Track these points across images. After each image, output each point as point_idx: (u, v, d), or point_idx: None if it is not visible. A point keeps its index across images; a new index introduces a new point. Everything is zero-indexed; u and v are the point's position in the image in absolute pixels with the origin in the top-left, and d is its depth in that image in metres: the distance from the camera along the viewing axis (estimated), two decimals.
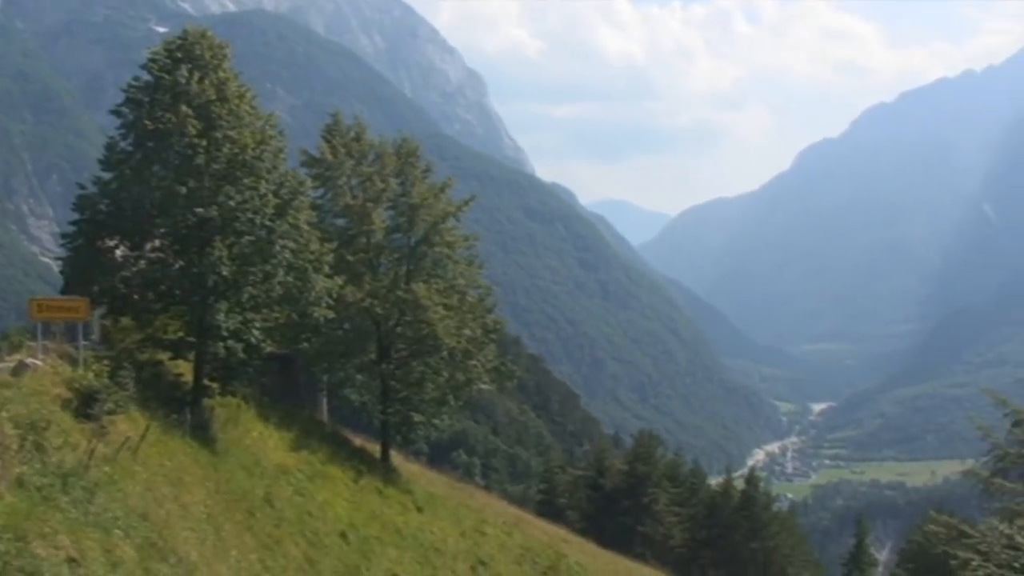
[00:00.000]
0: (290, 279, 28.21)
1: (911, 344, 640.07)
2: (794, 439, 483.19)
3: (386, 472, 36.13)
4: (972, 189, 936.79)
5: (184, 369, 28.44)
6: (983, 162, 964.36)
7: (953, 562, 26.80)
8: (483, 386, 39.72)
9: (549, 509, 69.97)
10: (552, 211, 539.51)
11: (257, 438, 29.57)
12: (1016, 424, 35.94)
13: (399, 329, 36.96)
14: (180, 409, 26.73)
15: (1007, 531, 23.78)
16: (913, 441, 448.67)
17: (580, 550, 43.51)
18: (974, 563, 24.85)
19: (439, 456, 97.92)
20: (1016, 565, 22.87)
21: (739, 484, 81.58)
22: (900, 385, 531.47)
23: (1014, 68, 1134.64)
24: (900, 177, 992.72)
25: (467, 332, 37.15)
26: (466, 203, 39.06)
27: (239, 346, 27.01)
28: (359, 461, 34.80)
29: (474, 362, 37.67)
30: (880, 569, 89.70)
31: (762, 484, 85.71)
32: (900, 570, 70.08)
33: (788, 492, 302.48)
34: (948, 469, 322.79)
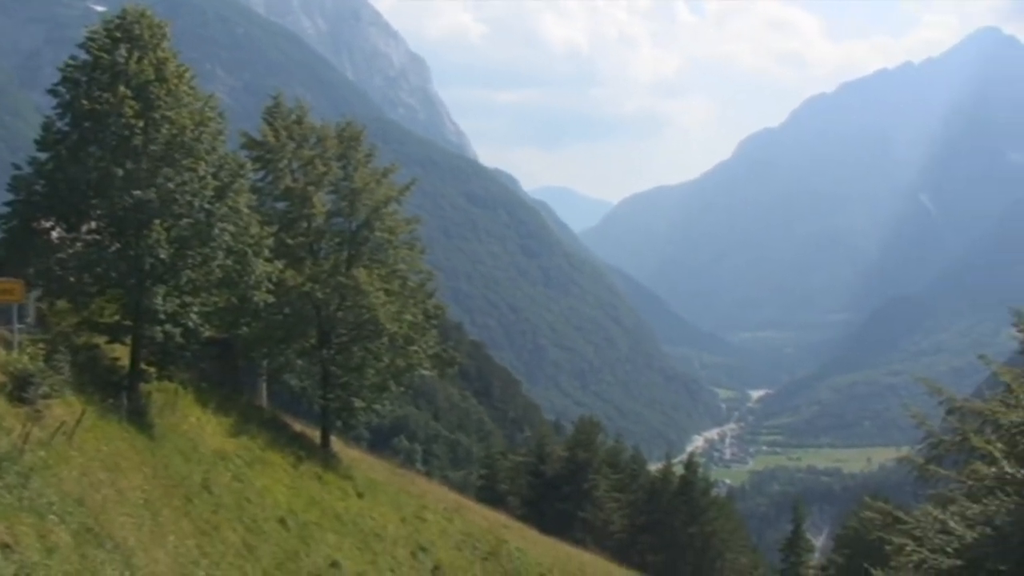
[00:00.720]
0: (229, 263, 27.92)
1: (848, 333, 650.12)
2: (732, 425, 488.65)
3: (326, 458, 35.96)
4: (910, 180, 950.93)
5: (121, 353, 28.07)
6: (921, 153, 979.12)
7: (888, 547, 27.25)
8: (424, 372, 39.61)
9: (490, 495, 70.17)
10: (495, 197, 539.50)
11: (195, 423, 29.29)
12: (950, 412, 36.60)
13: (340, 314, 36.75)
14: (117, 393, 26.39)
15: (940, 517, 24.20)
16: (849, 428, 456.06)
17: (521, 536, 43.65)
18: (908, 548, 25.28)
19: (380, 442, 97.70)
20: (949, 550, 23.29)
21: (678, 470, 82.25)
22: (837, 373, 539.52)
23: (952, 60, 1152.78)
24: (839, 167, 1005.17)
25: (408, 317, 37.03)
26: (407, 187, 38.88)
27: (177, 330, 26.72)
28: (299, 447, 34.62)
29: (415, 348, 37.57)
30: (816, 554, 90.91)
31: (701, 470, 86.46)
32: (836, 555, 71.03)
33: (726, 478, 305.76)
34: (883, 456, 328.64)
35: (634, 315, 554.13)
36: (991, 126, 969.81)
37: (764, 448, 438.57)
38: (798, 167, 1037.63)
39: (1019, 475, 21.75)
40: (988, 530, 22.08)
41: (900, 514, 30.41)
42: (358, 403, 37.19)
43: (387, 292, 36.62)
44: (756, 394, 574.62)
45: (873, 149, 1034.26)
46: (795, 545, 77.32)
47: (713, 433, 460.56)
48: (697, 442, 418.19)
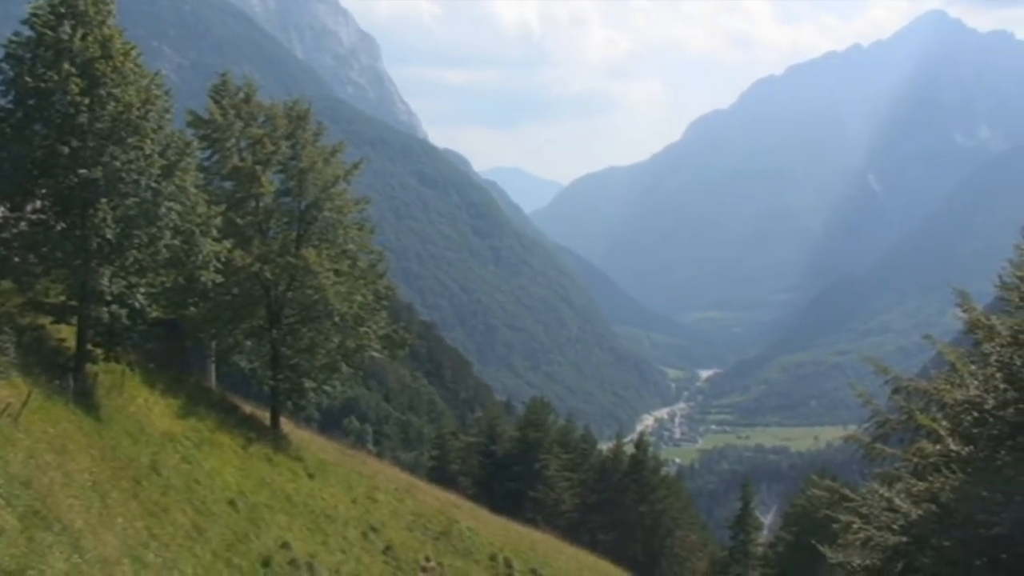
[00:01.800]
0: (176, 242, 27.63)
1: (796, 312, 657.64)
2: (682, 405, 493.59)
3: (276, 439, 35.77)
4: (857, 161, 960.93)
5: (67, 334, 27.74)
6: (868, 135, 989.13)
7: (835, 525, 27.61)
8: (375, 353, 39.42)
9: (441, 475, 70.28)
10: (445, 177, 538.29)
11: (143, 405, 29.03)
12: (896, 391, 37.10)
13: (289, 294, 36.49)
14: (63, 375, 26.11)
15: (886, 494, 24.54)
16: (797, 407, 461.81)
17: (472, 516, 43.74)
18: (855, 525, 25.63)
19: (331, 423, 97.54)
20: (895, 527, 23.63)
21: (629, 449, 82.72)
22: (785, 352, 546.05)
23: (899, 43, 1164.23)
24: (788, 149, 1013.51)
25: (358, 298, 36.84)
26: (356, 166, 38.61)
27: (124, 311, 26.41)
28: (248, 428, 34.41)
29: (365, 328, 37.39)
30: (765, 531, 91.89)
31: (651, 449, 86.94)
32: (784, 532, 71.87)
33: (676, 457, 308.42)
34: (831, 434, 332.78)
35: (585, 295, 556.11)
36: (937, 108, 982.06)
37: (713, 427, 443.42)
38: (747, 148, 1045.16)
39: (964, 452, 22.09)
40: (933, 507, 22.42)
41: (847, 492, 30.82)
42: (308, 384, 37.01)
43: (337, 272, 36.42)
44: (705, 374, 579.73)
45: (821, 130, 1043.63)
46: (744, 523, 77.98)
47: (663, 413, 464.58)
48: (647, 421, 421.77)
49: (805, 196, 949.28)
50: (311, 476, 34.32)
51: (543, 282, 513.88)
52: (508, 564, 38.32)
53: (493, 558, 38.23)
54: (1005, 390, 21.32)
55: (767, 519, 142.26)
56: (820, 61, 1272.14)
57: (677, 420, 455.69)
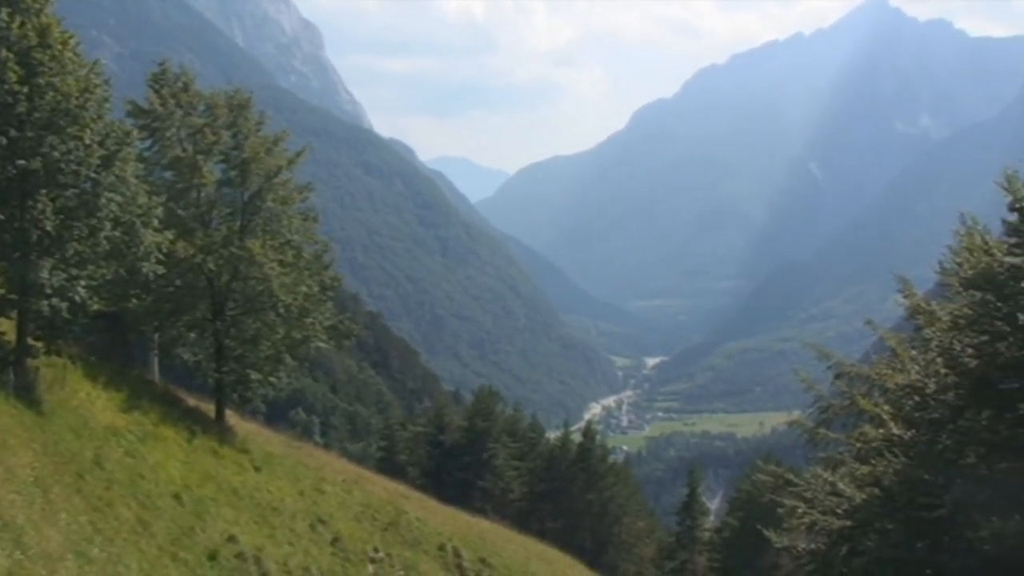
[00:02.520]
0: (117, 234, 27.21)
1: (740, 300, 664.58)
2: (629, 393, 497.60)
3: (221, 432, 35.41)
4: (799, 149, 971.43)
5: (6, 328, 27.27)
6: (810, 123, 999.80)
7: (780, 509, 27.93)
8: (321, 344, 39.15)
9: (389, 466, 70.11)
10: (390, 167, 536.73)
11: (85, 399, 28.59)
12: (838, 376, 37.58)
13: (233, 285, 36.13)
14: (3, 369, 25.68)
15: (830, 479, 24.88)
16: (742, 394, 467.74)
17: (420, 506, 43.64)
18: (799, 510, 25.94)
19: (277, 415, 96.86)
20: (839, 511, 23.95)
21: (576, 438, 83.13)
22: (730, 339, 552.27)
23: (841, 32, 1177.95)
24: (731, 137, 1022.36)
25: (304, 289, 36.53)
26: (299, 155, 38.25)
27: (64, 304, 26.01)
28: (193, 421, 34.02)
29: (311, 319, 37.12)
30: (711, 517, 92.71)
31: (598, 437, 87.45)
32: (731, 518, 72.63)
33: (623, 444, 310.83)
34: (775, 420, 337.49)
35: (532, 285, 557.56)
36: (878, 96, 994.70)
37: (660, 415, 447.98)
38: (691, 137, 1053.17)
39: (906, 437, 22.40)
40: (876, 491, 22.73)
41: (791, 477, 31.18)
42: (253, 376, 36.69)
43: (281, 263, 36.11)
44: (652, 361, 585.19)
45: (763, 119, 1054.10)
46: (690, 508, 78.68)
47: (610, 400, 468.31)
48: (595, 410, 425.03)
49: (748, 185, 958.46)
50: (257, 469, 34.03)
51: (490, 272, 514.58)
52: (457, 553, 38.32)
53: (442, 548, 38.20)
54: (946, 375, 21.66)
55: (713, 505, 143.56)
56: (762, 50, 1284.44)
57: (624, 408, 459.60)
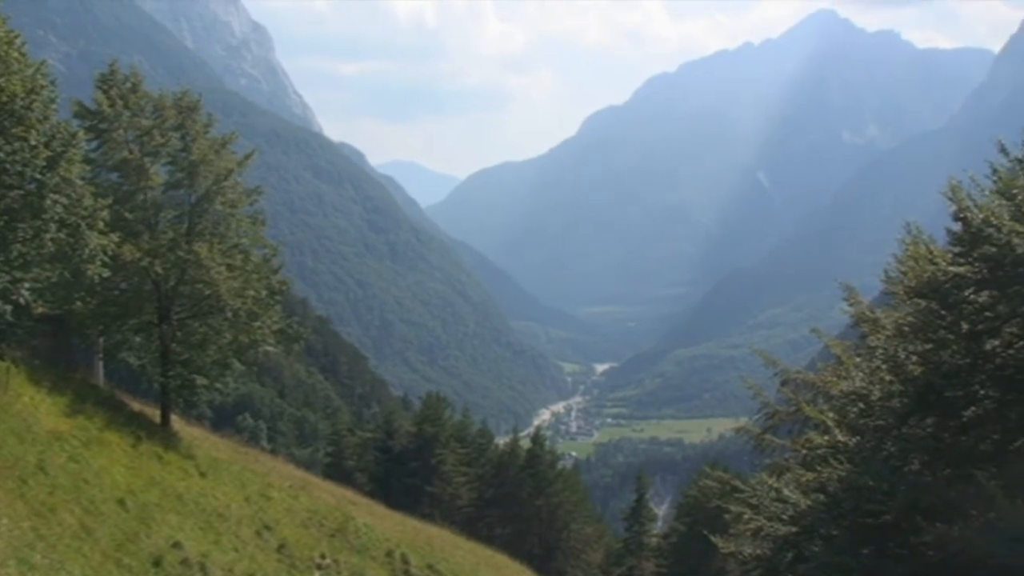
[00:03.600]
0: (62, 236, 26.89)
1: (689, 307, 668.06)
2: (578, 399, 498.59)
3: (166, 437, 35.03)
4: (748, 158, 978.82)
5: None
6: (759, 132, 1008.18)
7: (727, 515, 28.18)
8: (269, 348, 38.85)
9: (337, 472, 69.79)
10: (340, 171, 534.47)
11: (28, 403, 28.18)
12: (784, 383, 37.96)
13: (180, 289, 35.78)
14: None
15: (775, 485, 25.12)
16: (691, 400, 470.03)
17: (368, 511, 43.46)
18: (746, 516, 26.16)
19: (223, 420, 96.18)
20: (784, 517, 24.17)
21: (525, 444, 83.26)
22: (679, 346, 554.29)
23: (790, 42, 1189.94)
24: (681, 145, 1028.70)
25: (251, 293, 36.23)
26: (247, 158, 37.90)
27: (8, 307, 25.68)
28: (138, 426, 33.61)
29: (259, 324, 36.82)
30: (659, 523, 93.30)
31: (547, 443, 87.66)
32: (678, 523, 73.01)
33: (572, 450, 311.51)
34: (723, 426, 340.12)
35: (481, 290, 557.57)
36: (825, 106, 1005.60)
37: (609, 420, 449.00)
38: (642, 144, 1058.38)
39: (850, 443, 22.66)
40: (822, 497, 22.97)
41: (737, 483, 31.40)
42: (199, 380, 36.34)
43: (229, 267, 35.78)
44: (601, 368, 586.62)
45: (713, 128, 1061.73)
46: (638, 514, 79.10)
47: (559, 407, 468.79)
48: (544, 416, 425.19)
49: (698, 192, 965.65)
50: (203, 474, 33.71)
51: (440, 277, 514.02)
52: (405, 560, 38.16)
53: (390, 554, 38.02)
54: (891, 382, 21.94)
55: (662, 510, 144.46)
56: (712, 59, 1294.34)
57: (573, 414, 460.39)
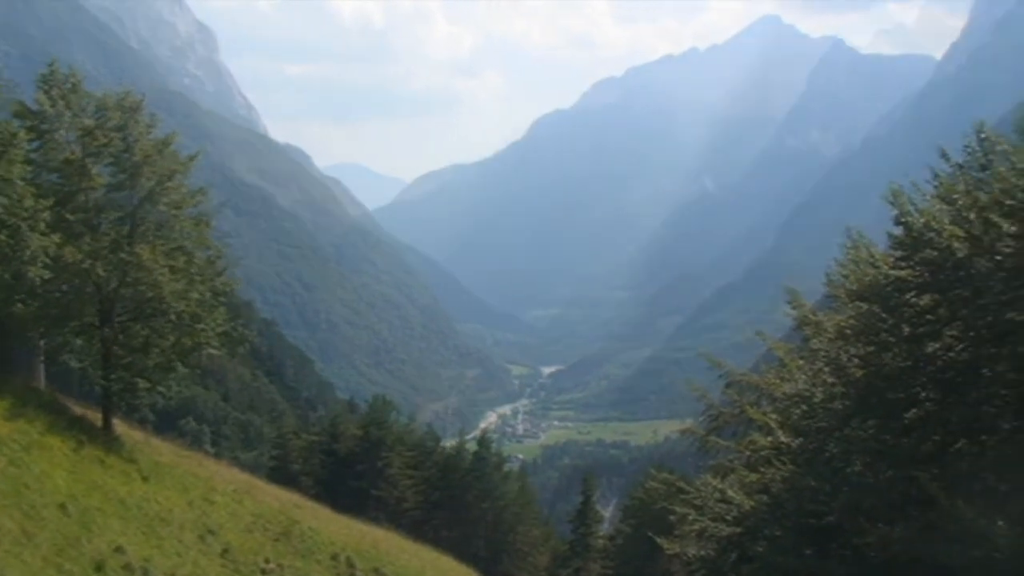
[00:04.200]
0: (2, 237, 26.51)
1: (636, 310, 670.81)
2: (525, 401, 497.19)
3: (108, 441, 34.53)
4: (693, 162, 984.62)
5: None
6: (704, 137, 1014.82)
7: (672, 517, 28.34)
8: (212, 351, 38.47)
9: (282, 475, 69.20)
10: (286, 173, 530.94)
11: None
12: (729, 385, 38.20)
13: (122, 291, 35.28)
14: None
15: (719, 486, 25.30)
16: (636, 402, 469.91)
17: (313, 515, 43.14)
18: (690, 517, 26.34)
19: (167, 424, 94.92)
20: (728, 518, 24.37)
21: (472, 446, 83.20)
22: (625, 349, 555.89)
23: (735, 47, 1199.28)
24: (627, 149, 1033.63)
25: (195, 295, 35.84)
26: (192, 159, 37.53)
27: None
28: (80, 430, 33.12)
29: (202, 326, 36.42)
30: (606, 524, 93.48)
31: (494, 446, 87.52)
32: (624, 525, 73.28)
33: (519, 453, 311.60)
34: (669, 428, 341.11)
35: (428, 294, 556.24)
36: (770, 111, 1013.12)
37: (555, 423, 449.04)
38: (588, 147, 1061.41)
39: (793, 444, 22.90)
40: (765, 498, 23.18)
41: (682, 484, 31.57)
42: (142, 384, 35.89)
43: (172, 269, 35.36)
44: (548, 370, 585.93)
45: (660, 132, 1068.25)
46: (585, 516, 79.30)
47: (506, 409, 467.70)
48: (491, 418, 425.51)
49: (645, 196, 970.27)
50: (145, 479, 33.28)
51: (387, 280, 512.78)
52: (350, 563, 37.96)
53: (335, 557, 37.81)
54: (833, 384, 22.18)
55: (608, 512, 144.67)
56: (658, 64, 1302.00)
57: (520, 416, 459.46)
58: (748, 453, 24.86)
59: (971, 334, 19.19)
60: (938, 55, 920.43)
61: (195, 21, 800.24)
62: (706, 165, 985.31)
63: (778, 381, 24.84)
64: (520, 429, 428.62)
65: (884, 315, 20.59)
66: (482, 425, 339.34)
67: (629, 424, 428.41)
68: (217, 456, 69.78)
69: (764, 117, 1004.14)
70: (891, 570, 19.42)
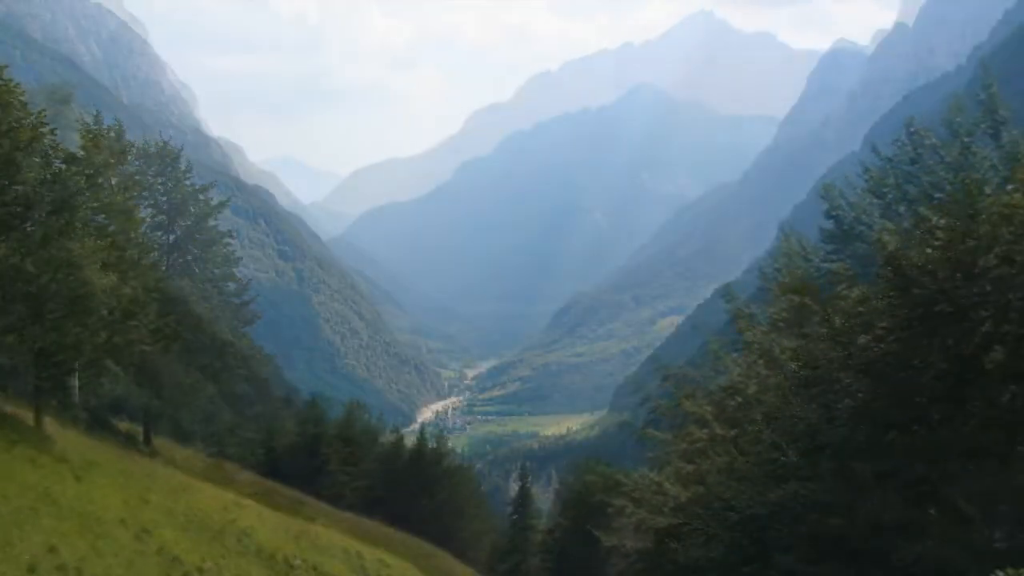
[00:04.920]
0: None
1: (545, 319, 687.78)
2: (454, 399, 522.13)
3: (40, 440, 33.89)
4: (630, 156, 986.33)
5: None
6: (641, 131, 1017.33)
7: (610, 509, 28.51)
8: (145, 347, 37.91)
9: (219, 473, 68.35)
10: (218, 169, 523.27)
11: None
12: (665, 379, 38.43)
13: (53, 287, 34.55)
14: None
15: (656, 479, 25.52)
16: (544, 399, 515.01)
17: (252, 513, 42.59)
18: (628, 510, 26.49)
19: (100, 421, 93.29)
20: (665, 509, 24.55)
21: (410, 440, 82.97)
22: (535, 353, 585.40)
23: (669, 42, 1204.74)
24: (565, 144, 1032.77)
25: (127, 291, 35.26)
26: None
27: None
28: (10, 429, 32.41)
29: (135, 322, 35.84)
30: (544, 519, 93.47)
31: (435, 441, 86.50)
32: (562, 519, 73.43)
33: (450, 444, 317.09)
34: (573, 422, 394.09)
35: (373, 309, 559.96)
36: (702, 106, 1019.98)
37: (479, 417, 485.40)
38: (525, 142, 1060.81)
39: (728, 435, 23.14)
40: (701, 489, 23.38)
41: (620, 478, 31.70)
42: (73, 382, 35.27)
43: (104, 265, 34.72)
44: (472, 372, 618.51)
45: (595, 127, 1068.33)
46: (523, 506, 79.55)
47: (439, 406, 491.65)
48: (426, 414, 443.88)
49: (584, 192, 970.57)
50: (79, 478, 32.62)
51: (327, 280, 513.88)
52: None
53: (273, 556, 37.37)
54: (767, 376, 22.41)
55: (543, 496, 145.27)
56: (593, 59, 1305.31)
57: (450, 412, 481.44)
58: (684, 445, 25.07)
59: (902, 325, 19.45)
60: (870, 49, 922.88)
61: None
62: (643, 157, 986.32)
63: (713, 374, 25.07)
64: (451, 423, 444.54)
65: (815, 307, 20.86)
66: (419, 419, 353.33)
67: (540, 418, 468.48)
68: (152, 455, 68.89)
69: (696, 112, 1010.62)
70: (825, 559, 19.70)
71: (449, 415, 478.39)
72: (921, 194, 20.10)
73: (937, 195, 19.73)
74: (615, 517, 27.22)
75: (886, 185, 20.15)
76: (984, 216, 18.64)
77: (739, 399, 23.45)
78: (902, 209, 19.74)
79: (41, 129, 25.56)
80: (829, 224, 21.92)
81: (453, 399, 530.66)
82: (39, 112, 26.08)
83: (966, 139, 21.99)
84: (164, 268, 35.17)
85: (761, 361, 22.87)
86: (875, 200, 20.68)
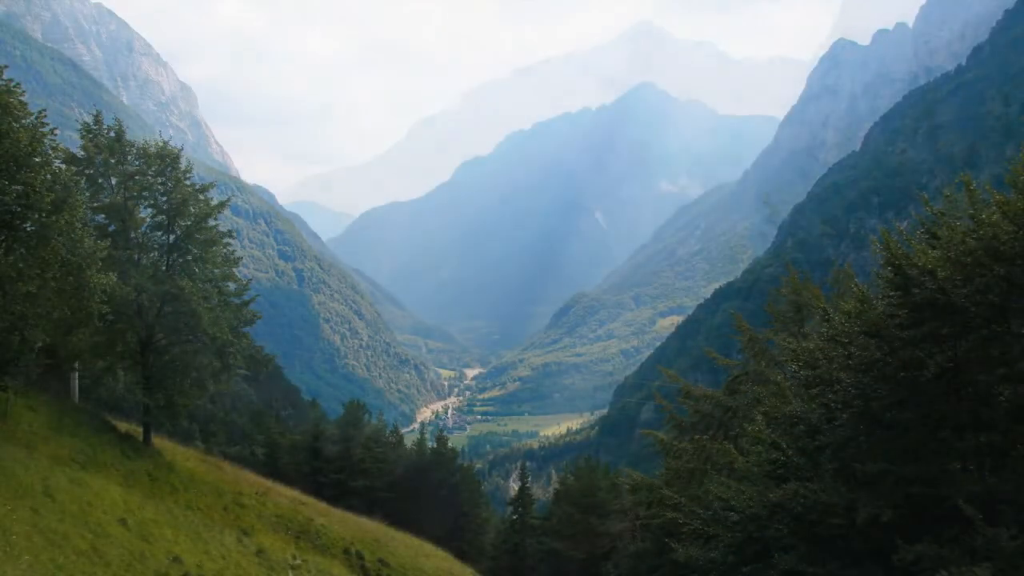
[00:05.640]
0: (68, 277, 23.76)
1: (543, 322, 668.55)
2: (453, 399, 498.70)
3: (151, 454, 31.75)
4: (630, 156, 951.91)
5: None
6: (582, 138, 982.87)
7: (679, 519, 26.58)
8: (241, 372, 35.93)
9: (274, 473, 66.13)
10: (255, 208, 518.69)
11: (27, 430, 24.87)
12: (686, 395, 36.26)
13: (162, 320, 32.46)
14: None
15: (723, 496, 23.55)
16: (543, 399, 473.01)
17: (319, 512, 40.48)
18: (692, 525, 24.59)
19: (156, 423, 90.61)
20: (730, 523, 22.71)
21: (410, 441, 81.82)
22: (534, 355, 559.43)
23: (613, 49, 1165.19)
24: (563, 144, 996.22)
25: (225, 323, 33.23)
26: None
27: (15, 339, 22.48)
28: (127, 446, 30.31)
29: (232, 349, 33.79)
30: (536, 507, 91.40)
31: (435, 441, 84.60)
32: (557, 507, 71.75)
33: (449, 443, 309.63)
34: (573, 422, 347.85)
35: (373, 310, 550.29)
36: (641, 116, 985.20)
37: (479, 417, 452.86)
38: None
39: (799, 461, 21.28)
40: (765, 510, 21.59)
41: (667, 492, 29.78)
42: (180, 401, 33.14)
43: (206, 299, 32.77)
44: (471, 373, 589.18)
45: (543, 134, 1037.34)
46: (522, 498, 77.66)
47: (438, 406, 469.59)
48: (425, 413, 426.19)
49: (586, 192, 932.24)
50: (185, 488, 30.56)
51: (339, 299, 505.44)
52: (360, 556, 35.48)
53: (347, 551, 35.31)
54: (834, 407, 20.61)
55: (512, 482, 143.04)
56: (541, 66, 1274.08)
57: (449, 412, 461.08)
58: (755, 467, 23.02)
59: (903, 325, 18.32)
60: (806, 59, 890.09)
61: (178, 81, 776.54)
62: (644, 159, 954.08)
63: (777, 403, 23.09)
64: (450, 422, 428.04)
65: (880, 347, 19.14)
66: (419, 419, 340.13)
67: (539, 418, 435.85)
68: (208, 451, 66.28)
69: (633, 123, 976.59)
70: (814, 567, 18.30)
71: (449, 415, 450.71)
72: (981, 246, 18.55)
73: (1000, 247, 18.08)
74: (678, 528, 25.25)
75: (952, 238, 18.54)
76: (984, 216, 17.61)
77: (803, 427, 21.64)
78: (967, 260, 18.35)
79: (41, 129, 23.45)
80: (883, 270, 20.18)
81: (453, 399, 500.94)
82: (39, 112, 23.94)
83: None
84: (164, 268, 32.93)
85: (830, 394, 21.04)
86: (934, 252, 19.03)
